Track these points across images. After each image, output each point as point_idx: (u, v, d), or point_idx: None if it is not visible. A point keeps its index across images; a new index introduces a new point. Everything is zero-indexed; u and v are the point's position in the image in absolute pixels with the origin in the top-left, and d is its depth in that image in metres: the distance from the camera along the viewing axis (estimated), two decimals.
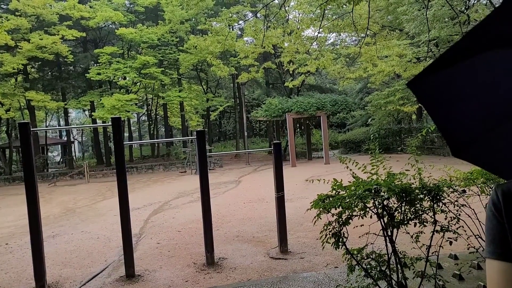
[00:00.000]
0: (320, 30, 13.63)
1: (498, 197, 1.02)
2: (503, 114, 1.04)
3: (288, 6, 20.18)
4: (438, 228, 3.51)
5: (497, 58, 1.10)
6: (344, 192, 3.52)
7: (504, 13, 0.94)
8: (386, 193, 3.36)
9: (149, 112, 38.79)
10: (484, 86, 1.19)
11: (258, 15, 23.60)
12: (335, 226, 3.47)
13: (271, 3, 14.11)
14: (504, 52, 1.08)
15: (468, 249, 4.11)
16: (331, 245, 3.48)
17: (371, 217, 3.51)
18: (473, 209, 3.85)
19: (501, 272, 0.98)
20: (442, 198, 3.52)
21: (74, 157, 36.55)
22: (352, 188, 3.49)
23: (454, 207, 3.66)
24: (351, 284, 3.71)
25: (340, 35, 27.46)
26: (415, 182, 3.56)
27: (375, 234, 3.57)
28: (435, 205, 3.50)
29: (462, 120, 1.29)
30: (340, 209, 3.42)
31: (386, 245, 3.56)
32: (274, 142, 7.10)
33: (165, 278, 6.03)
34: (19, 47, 22.66)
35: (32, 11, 23.05)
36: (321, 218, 3.47)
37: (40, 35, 23.35)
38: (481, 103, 1.24)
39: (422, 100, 1.26)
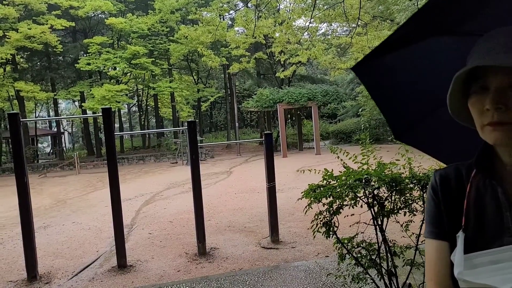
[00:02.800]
0: (311, 20, 13.61)
1: (436, 180, 1.09)
2: (438, 101, 1.08)
3: None
4: None
5: (436, 45, 1.14)
6: (335, 182, 3.55)
7: (444, 1, 0.97)
8: (376, 182, 3.39)
9: (139, 102, 38.54)
10: (423, 72, 1.24)
11: (249, 4, 23.47)
12: (326, 216, 3.50)
13: None
14: (442, 40, 1.12)
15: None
16: (322, 234, 3.51)
17: (361, 206, 3.54)
18: None
19: (436, 249, 1.06)
20: None
21: (64, 148, 36.29)
22: (343, 178, 3.51)
23: None
24: (342, 272, 3.75)
25: (331, 25, 27.36)
26: (405, 172, 3.59)
27: (366, 224, 3.61)
28: (424, 194, 3.54)
29: (402, 105, 1.34)
30: (331, 198, 3.44)
31: (376, 234, 3.60)
32: (265, 132, 7.12)
33: (157, 268, 6.05)
34: (7, 36, 22.33)
35: (20, 0, 22.70)
36: (312, 208, 3.50)
37: (29, 25, 23.03)
38: (420, 89, 1.28)
39: (366, 84, 1.30)
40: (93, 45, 25.04)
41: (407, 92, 1.29)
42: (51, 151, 37.00)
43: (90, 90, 25.09)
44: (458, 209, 1.03)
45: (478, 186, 1.02)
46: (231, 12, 24.34)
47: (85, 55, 26.99)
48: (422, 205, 3.56)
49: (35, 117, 35.53)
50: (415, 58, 1.19)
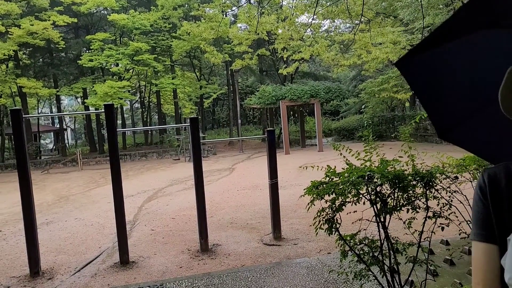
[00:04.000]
0: (314, 16, 13.56)
1: (485, 180, 1.04)
2: (488, 97, 1.04)
3: None
4: (430, 214, 3.54)
5: (485, 39, 1.10)
6: (337, 178, 3.54)
7: None
8: (379, 179, 3.37)
9: (142, 99, 38.54)
10: (471, 68, 1.19)
11: (252, 1, 23.43)
12: (329, 213, 3.49)
13: None
14: (492, 33, 1.07)
15: (459, 234, 4.15)
16: (325, 231, 3.50)
17: (364, 203, 3.53)
18: (465, 195, 3.88)
19: (485, 253, 1.01)
20: (435, 184, 3.54)
21: (67, 145, 36.38)
22: (346, 174, 3.50)
23: (446, 193, 3.69)
24: (344, 269, 3.75)
25: (334, 21, 27.28)
26: (408, 169, 3.58)
27: (368, 220, 3.60)
28: (427, 192, 3.53)
29: (448, 102, 1.29)
30: (334, 195, 3.43)
31: (379, 231, 3.59)
32: (268, 129, 7.11)
33: (159, 265, 6.06)
34: (9, 33, 22.32)
35: None
36: (314, 205, 3.49)
37: (31, 21, 23.00)
38: (467, 85, 1.23)
39: (409, 80, 1.25)
40: (95, 41, 25.02)
41: (453, 88, 1.24)
42: (54, 147, 37.05)
43: (93, 87, 25.08)
44: (509, 211, 0.98)
45: None
46: (233, 8, 24.28)
47: (87, 51, 26.98)
48: (424, 202, 3.54)
49: (38, 114, 35.54)
50: (463, 52, 1.14)
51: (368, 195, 3.51)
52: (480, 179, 1.06)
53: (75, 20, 25.30)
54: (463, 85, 1.23)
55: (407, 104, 29.82)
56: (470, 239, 1.08)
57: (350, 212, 3.54)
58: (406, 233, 3.67)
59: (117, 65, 28.41)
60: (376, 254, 3.58)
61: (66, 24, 24.73)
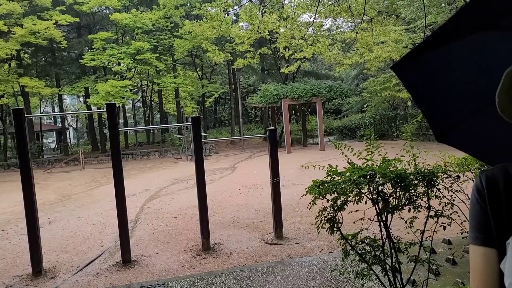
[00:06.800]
0: (316, 15, 13.54)
1: (482, 182, 1.02)
2: (485, 99, 1.04)
3: None
4: (432, 213, 3.53)
5: (482, 42, 1.09)
6: (339, 178, 3.53)
7: None
8: (381, 178, 3.37)
9: (144, 98, 38.54)
10: (468, 70, 1.18)
11: (254, 0, 23.40)
12: (330, 212, 3.49)
13: None
14: (489, 36, 1.07)
15: (461, 234, 4.15)
16: (326, 230, 3.50)
17: (366, 202, 3.53)
18: (467, 195, 3.87)
19: (483, 257, 0.99)
20: (437, 183, 3.54)
21: (69, 144, 36.39)
22: (347, 174, 3.49)
23: (448, 192, 3.68)
24: (346, 268, 3.75)
25: (336, 20, 27.19)
26: (410, 168, 3.57)
27: (370, 220, 3.60)
28: (429, 191, 3.52)
29: (445, 105, 1.29)
30: (335, 194, 3.43)
31: (381, 230, 3.59)
32: (270, 128, 7.10)
33: (161, 264, 6.07)
34: (12, 32, 22.33)
35: None
36: (316, 204, 3.49)
37: (33, 20, 23.00)
38: (464, 87, 1.23)
39: (406, 83, 1.25)
40: (97, 40, 25.02)
41: (450, 91, 1.23)
42: (56, 146, 37.10)
43: (95, 86, 25.08)
44: (507, 214, 0.97)
45: None
46: (235, 7, 24.23)
47: (89, 50, 26.96)
48: (426, 202, 3.54)
49: (40, 113, 35.58)
50: (460, 55, 1.14)
51: (370, 194, 3.50)
52: (477, 181, 1.04)
53: (77, 19, 25.29)
54: (460, 87, 1.23)
55: (409, 103, 29.75)
56: (468, 242, 1.06)
57: (351, 211, 3.54)
58: (408, 233, 3.66)
59: (119, 64, 28.41)
60: (378, 253, 3.58)
61: (68, 23, 24.72)
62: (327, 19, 22.81)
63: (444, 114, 1.30)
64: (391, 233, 3.57)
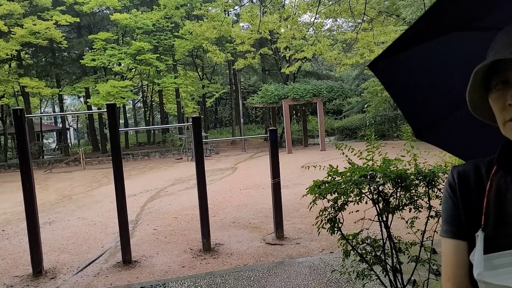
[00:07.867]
0: (317, 15, 13.54)
1: (454, 178, 1.05)
2: (460, 97, 1.05)
3: None
4: (433, 213, 3.53)
5: (454, 42, 1.11)
6: (339, 178, 3.53)
7: None
8: (381, 179, 3.37)
9: (144, 98, 38.56)
10: (441, 69, 1.20)
11: (254, 0, 23.39)
12: (331, 212, 3.48)
13: None
14: (461, 36, 1.08)
15: None
16: (327, 230, 3.49)
17: (366, 202, 3.52)
18: None
19: (454, 249, 1.02)
20: (437, 183, 3.53)
21: (70, 144, 36.42)
22: (348, 174, 3.49)
23: None
24: (347, 269, 3.74)
25: (337, 20, 27.20)
26: (411, 168, 3.57)
27: (371, 220, 3.60)
28: (430, 191, 3.52)
29: (422, 103, 1.31)
30: (336, 195, 3.43)
31: (381, 230, 3.58)
32: (270, 128, 7.10)
33: (162, 264, 6.06)
34: (12, 32, 22.36)
35: None
36: (316, 204, 3.48)
37: (34, 21, 23.03)
38: (439, 86, 1.25)
39: (383, 81, 1.26)
40: (98, 41, 25.04)
41: (425, 90, 1.25)
42: (57, 146, 37.13)
43: (95, 86, 25.12)
44: (477, 208, 0.99)
45: (499, 184, 0.98)
46: (236, 7, 24.25)
47: (90, 51, 26.98)
48: (427, 202, 3.54)
49: (40, 113, 35.61)
50: (432, 55, 1.15)
51: (371, 195, 3.50)
52: (449, 176, 1.07)
53: (78, 19, 25.32)
54: (437, 86, 1.25)
55: None
56: (440, 235, 1.09)
57: (352, 212, 3.54)
58: (409, 233, 3.66)
59: (119, 64, 28.42)
60: (378, 253, 3.58)
61: (68, 23, 24.75)
62: (327, 19, 22.81)
63: (423, 112, 1.33)
64: (391, 233, 3.57)
